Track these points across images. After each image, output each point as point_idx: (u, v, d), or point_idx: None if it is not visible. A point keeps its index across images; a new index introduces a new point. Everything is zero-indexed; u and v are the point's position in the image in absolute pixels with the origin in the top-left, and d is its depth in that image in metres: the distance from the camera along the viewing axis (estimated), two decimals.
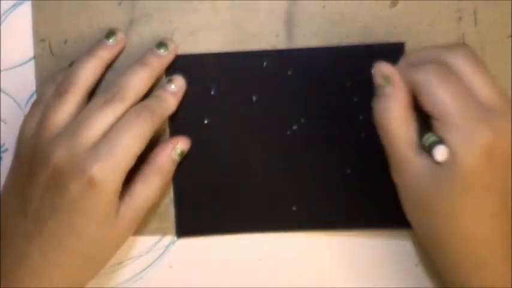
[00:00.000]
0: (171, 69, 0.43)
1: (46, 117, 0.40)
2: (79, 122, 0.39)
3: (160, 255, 0.46)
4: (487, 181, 0.36)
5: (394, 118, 0.38)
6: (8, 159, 0.44)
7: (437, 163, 0.36)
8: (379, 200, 0.43)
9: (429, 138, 0.37)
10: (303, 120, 0.44)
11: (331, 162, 0.44)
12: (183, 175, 0.44)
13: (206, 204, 0.45)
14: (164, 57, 0.43)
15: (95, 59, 0.42)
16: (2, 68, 0.45)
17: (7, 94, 0.45)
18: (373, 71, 0.39)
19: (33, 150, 0.40)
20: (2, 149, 0.45)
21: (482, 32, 0.44)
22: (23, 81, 0.45)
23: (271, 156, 0.44)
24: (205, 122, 0.44)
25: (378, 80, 0.39)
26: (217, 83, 0.44)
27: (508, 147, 0.36)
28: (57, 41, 0.44)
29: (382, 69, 0.39)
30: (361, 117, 0.44)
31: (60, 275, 0.40)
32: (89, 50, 0.43)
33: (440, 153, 0.36)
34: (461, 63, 0.38)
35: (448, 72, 0.37)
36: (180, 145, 0.43)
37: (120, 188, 0.39)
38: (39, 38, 0.44)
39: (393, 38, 0.44)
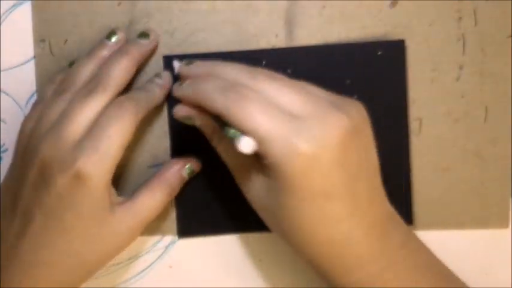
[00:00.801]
0: (171, 69, 0.44)
1: (41, 116, 0.40)
2: (64, 116, 0.39)
3: (161, 255, 0.46)
4: (319, 189, 0.35)
5: (219, 148, 0.41)
6: (8, 159, 0.44)
7: (268, 179, 0.36)
8: None
9: (229, 131, 0.36)
10: None
11: None
12: None
13: (207, 204, 0.45)
14: (145, 46, 0.43)
15: (95, 60, 0.42)
16: (2, 68, 0.45)
17: (7, 94, 0.45)
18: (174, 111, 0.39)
19: (25, 147, 0.40)
20: (2, 149, 0.45)
21: (482, 32, 0.44)
22: (23, 81, 0.45)
23: None
24: None
25: (183, 120, 0.39)
26: None
27: (331, 149, 0.35)
28: (57, 41, 0.44)
29: (180, 113, 0.39)
30: None
31: (51, 274, 0.39)
32: (90, 50, 0.43)
33: (244, 144, 0.35)
34: (261, 83, 0.36)
35: (250, 94, 0.35)
36: (191, 165, 0.43)
37: (109, 183, 0.39)
38: (39, 38, 0.44)
39: (393, 38, 0.44)
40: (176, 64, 0.42)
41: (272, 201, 0.37)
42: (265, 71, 0.38)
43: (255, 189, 0.38)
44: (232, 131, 0.36)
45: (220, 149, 0.41)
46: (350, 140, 0.35)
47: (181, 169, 0.43)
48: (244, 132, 0.35)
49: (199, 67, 0.40)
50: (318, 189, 0.35)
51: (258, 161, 0.37)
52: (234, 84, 0.36)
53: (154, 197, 0.41)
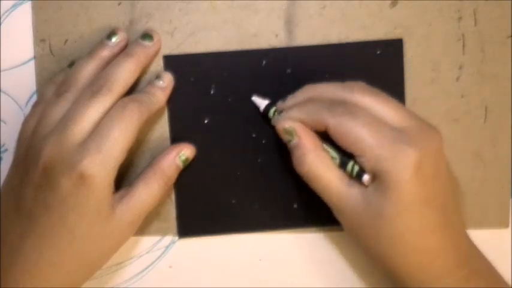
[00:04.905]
0: (171, 69, 0.44)
1: (43, 116, 0.40)
2: (68, 117, 0.39)
3: (161, 255, 0.46)
4: (421, 197, 0.37)
5: (312, 165, 0.39)
6: (8, 159, 0.44)
7: (371, 191, 0.38)
8: None
9: (353, 168, 0.38)
10: None
11: None
12: (184, 175, 0.44)
13: (207, 204, 0.45)
14: (149, 47, 0.43)
15: (95, 60, 0.42)
16: (2, 68, 0.45)
17: (7, 94, 0.45)
18: (278, 129, 0.41)
19: (27, 148, 0.40)
20: (2, 149, 0.45)
21: (482, 32, 0.44)
22: (23, 81, 0.45)
23: (271, 154, 0.44)
24: (205, 121, 0.44)
25: (284, 137, 0.40)
26: (216, 83, 0.44)
27: (432, 160, 0.37)
28: (57, 41, 0.44)
29: (282, 125, 0.40)
30: None
31: (54, 274, 0.39)
32: (90, 50, 0.43)
33: (366, 179, 0.38)
34: (360, 97, 0.39)
35: (354, 109, 0.38)
36: (185, 152, 0.43)
37: (112, 184, 0.39)
38: (39, 38, 0.44)
39: (393, 38, 0.44)
40: (259, 101, 0.43)
41: (371, 214, 0.38)
42: (357, 85, 0.40)
43: (349, 206, 0.39)
44: (353, 167, 0.38)
45: (311, 176, 0.40)
46: (442, 154, 0.39)
47: (176, 157, 0.43)
48: (351, 144, 0.38)
49: (295, 97, 0.41)
50: (421, 197, 0.37)
51: (352, 179, 0.39)
52: (336, 101, 0.39)
53: (151, 189, 0.41)
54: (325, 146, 0.40)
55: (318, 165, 0.39)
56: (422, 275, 0.38)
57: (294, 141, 0.40)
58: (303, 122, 0.40)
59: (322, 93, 0.40)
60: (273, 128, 0.42)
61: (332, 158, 0.39)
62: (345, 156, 0.39)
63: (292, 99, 0.42)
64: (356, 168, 0.38)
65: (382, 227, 0.38)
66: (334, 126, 0.38)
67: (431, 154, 0.38)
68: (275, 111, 0.42)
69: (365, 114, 0.38)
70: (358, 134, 0.38)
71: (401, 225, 0.37)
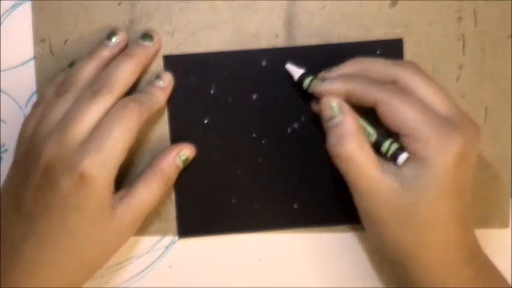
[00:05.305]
0: (171, 69, 0.44)
1: (43, 116, 0.40)
2: (68, 117, 0.39)
3: (161, 255, 0.46)
4: (457, 187, 0.37)
5: (351, 145, 0.38)
6: (8, 159, 0.44)
7: (408, 174, 0.37)
8: None
9: (389, 147, 0.38)
10: (303, 118, 0.44)
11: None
12: (184, 175, 0.44)
13: (207, 204, 0.45)
14: (149, 48, 0.43)
15: (96, 60, 0.42)
16: (2, 68, 0.45)
17: (7, 94, 0.45)
18: (319, 106, 0.40)
19: (27, 149, 0.40)
20: (2, 149, 0.45)
21: (482, 32, 0.44)
22: (23, 81, 0.45)
23: (271, 154, 0.44)
24: (205, 121, 0.44)
25: (326, 110, 0.40)
26: (217, 83, 0.44)
27: (473, 152, 0.38)
28: (57, 41, 0.44)
29: (330, 101, 0.39)
30: None
31: (55, 274, 0.39)
32: (90, 50, 0.43)
33: (401, 159, 0.38)
34: (412, 79, 0.39)
35: (406, 90, 0.38)
36: (185, 152, 0.43)
37: (112, 184, 0.39)
38: (39, 38, 0.44)
39: (393, 38, 0.44)
40: (293, 69, 0.43)
41: (405, 200, 0.37)
42: (410, 64, 0.40)
43: (382, 192, 0.38)
44: (390, 146, 0.38)
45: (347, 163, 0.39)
46: (478, 148, 0.39)
47: (176, 157, 0.43)
48: (397, 126, 0.38)
49: (342, 68, 0.41)
50: (458, 186, 0.37)
51: (386, 163, 0.38)
52: (386, 78, 0.39)
53: (151, 190, 0.41)
54: (362, 122, 0.39)
55: (356, 148, 0.38)
56: (438, 267, 0.38)
57: (338, 119, 0.39)
58: (349, 93, 0.39)
59: (371, 67, 0.40)
60: (304, 101, 0.42)
61: (369, 134, 0.39)
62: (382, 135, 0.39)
63: (338, 70, 0.41)
64: (393, 147, 0.38)
65: (414, 214, 0.37)
66: (383, 103, 0.38)
67: (474, 146, 0.38)
68: (312, 80, 0.41)
69: (416, 95, 0.38)
70: (409, 113, 0.37)
71: (434, 214, 0.37)
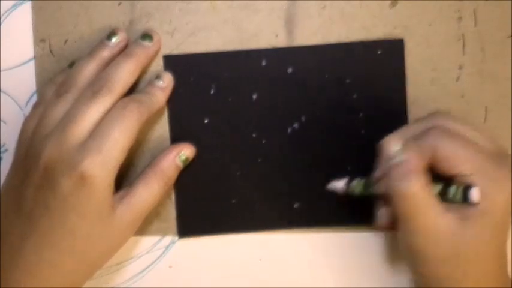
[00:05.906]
0: (171, 69, 0.44)
1: (43, 117, 0.40)
2: (68, 117, 0.39)
3: (161, 255, 0.46)
4: (506, 222, 0.38)
5: (418, 183, 0.37)
6: (8, 159, 0.44)
7: (470, 212, 0.37)
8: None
9: (456, 190, 0.37)
10: (303, 118, 0.44)
11: (331, 159, 0.44)
12: (184, 175, 0.44)
13: (207, 204, 0.45)
14: (149, 48, 0.43)
15: (95, 60, 0.42)
16: (2, 68, 0.45)
17: (7, 94, 0.45)
18: (380, 145, 0.39)
19: (27, 149, 0.40)
20: (2, 149, 0.45)
21: (482, 32, 0.44)
22: (23, 81, 0.45)
23: (271, 154, 0.44)
24: (205, 121, 0.44)
25: (389, 151, 0.38)
26: (217, 83, 0.44)
27: None
28: (57, 41, 0.44)
29: (392, 141, 0.39)
30: (361, 114, 0.44)
31: (55, 274, 0.39)
32: (90, 50, 0.43)
33: (476, 194, 0.37)
34: (450, 124, 0.39)
35: (451, 131, 0.38)
36: (185, 152, 0.43)
37: (113, 184, 0.39)
38: (39, 38, 0.44)
39: (393, 38, 0.44)
40: (336, 183, 0.42)
41: (461, 238, 0.37)
42: (439, 113, 0.40)
43: (440, 232, 0.37)
44: (460, 189, 0.37)
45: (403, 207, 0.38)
46: None
47: (176, 157, 0.43)
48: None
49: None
50: (506, 223, 0.38)
51: (452, 206, 0.38)
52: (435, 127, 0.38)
53: (151, 190, 0.41)
54: None
55: (423, 187, 0.37)
56: None
57: (403, 157, 0.38)
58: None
59: (409, 133, 0.39)
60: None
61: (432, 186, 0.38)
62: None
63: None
64: (460, 188, 0.37)
65: (469, 250, 0.37)
66: (438, 147, 0.37)
67: None
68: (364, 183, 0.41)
69: (463, 137, 0.38)
70: (465, 154, 0.37)
71: (487, 249, 0.38)
